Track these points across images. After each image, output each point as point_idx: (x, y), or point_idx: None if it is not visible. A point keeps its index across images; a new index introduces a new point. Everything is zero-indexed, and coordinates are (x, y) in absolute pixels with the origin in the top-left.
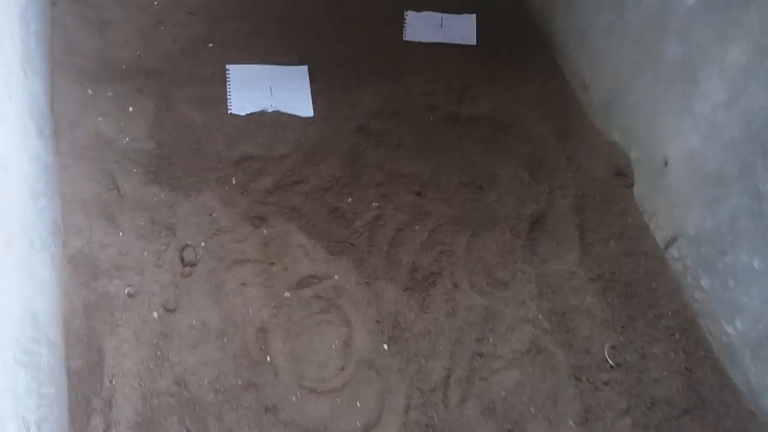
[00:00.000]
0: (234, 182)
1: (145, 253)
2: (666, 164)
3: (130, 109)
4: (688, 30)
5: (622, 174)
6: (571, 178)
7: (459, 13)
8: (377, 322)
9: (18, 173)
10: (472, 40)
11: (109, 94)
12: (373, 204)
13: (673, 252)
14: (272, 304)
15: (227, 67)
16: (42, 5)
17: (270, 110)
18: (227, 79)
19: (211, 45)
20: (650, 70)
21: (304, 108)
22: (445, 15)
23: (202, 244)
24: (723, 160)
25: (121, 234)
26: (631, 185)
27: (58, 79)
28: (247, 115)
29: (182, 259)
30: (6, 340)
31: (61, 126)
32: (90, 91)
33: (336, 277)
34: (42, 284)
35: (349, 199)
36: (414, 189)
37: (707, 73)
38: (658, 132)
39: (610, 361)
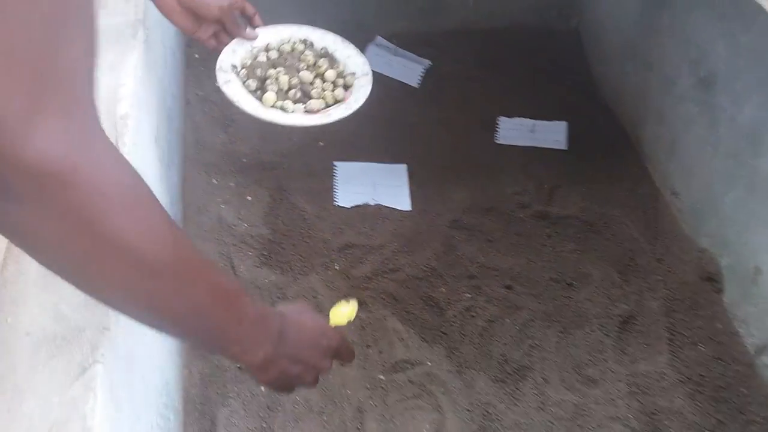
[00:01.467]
0: (337, 268)
1: None
2: (758, 274)
3: (249, 198)
4: None
5: (712, 280)
6: (661, 281)
7: (549, 119)
8: (468, 410)
9: None
10: (563, 145)
11: (231, 184)
12: (466, 295)
13: (765, 359)
14: (368, 386)
15: (335, 163)
16: (181, 105)
17: (372, 203)
18: (335, 175)
19: (321, 143)
20: (744, 184)
21: (403, 202)
22: (536, 121)
23: None
24: None
25: None
26: (720, 291)
27: (188, 170)
28: (351, 207)
29: None
30: (151, 405)
31: (190, 212)
32: (214, 181)
33: (429, 363)
34: (171, 355)
35: (442, 289)
36: (505, 283)
37: None
38: (751, 242)
39: None
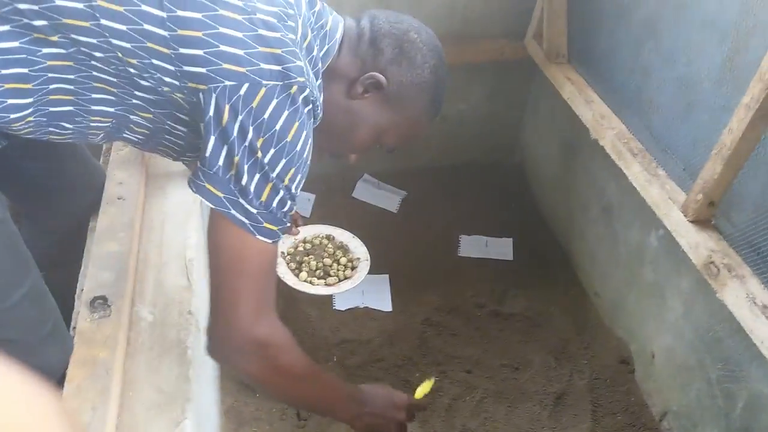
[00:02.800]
0: (335, 359)
1: (273, 410)
2: (653, 356)
3: None
4: (656, 262)
5: (626, 362)
6: (587, 364)
7: (499, 236)
8: None
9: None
10: (510, 257)
11: None
12: (435, 379)
13: (665, 424)
14: None
15: None
16: None
17: (362, 306)
18: None
19: None
20: (636, 289)
21: (386, 305)
22: (489, 238)
23: None
24: (686, 356)
25: (257, 395)
26: (632, 371)
27: None
28: (345, 310)
29: (298, 415)
30: None
31: None
32: None
33: None
34: (218, 418)
35: (417, 374)
36: (466, 368)
37: (670, 293)
38: (646, 332)
39: None
